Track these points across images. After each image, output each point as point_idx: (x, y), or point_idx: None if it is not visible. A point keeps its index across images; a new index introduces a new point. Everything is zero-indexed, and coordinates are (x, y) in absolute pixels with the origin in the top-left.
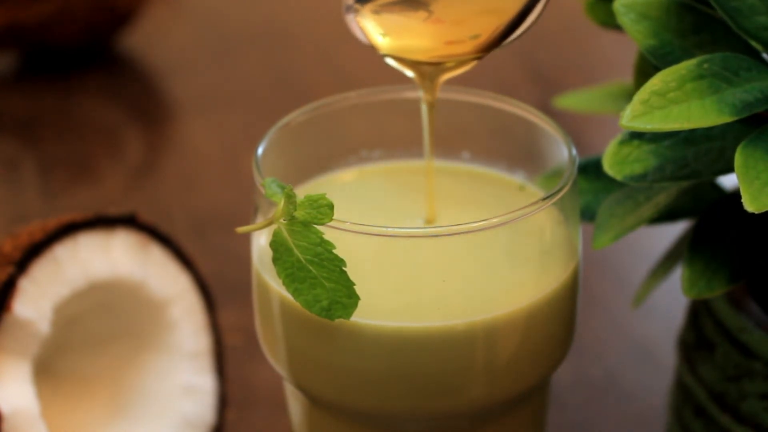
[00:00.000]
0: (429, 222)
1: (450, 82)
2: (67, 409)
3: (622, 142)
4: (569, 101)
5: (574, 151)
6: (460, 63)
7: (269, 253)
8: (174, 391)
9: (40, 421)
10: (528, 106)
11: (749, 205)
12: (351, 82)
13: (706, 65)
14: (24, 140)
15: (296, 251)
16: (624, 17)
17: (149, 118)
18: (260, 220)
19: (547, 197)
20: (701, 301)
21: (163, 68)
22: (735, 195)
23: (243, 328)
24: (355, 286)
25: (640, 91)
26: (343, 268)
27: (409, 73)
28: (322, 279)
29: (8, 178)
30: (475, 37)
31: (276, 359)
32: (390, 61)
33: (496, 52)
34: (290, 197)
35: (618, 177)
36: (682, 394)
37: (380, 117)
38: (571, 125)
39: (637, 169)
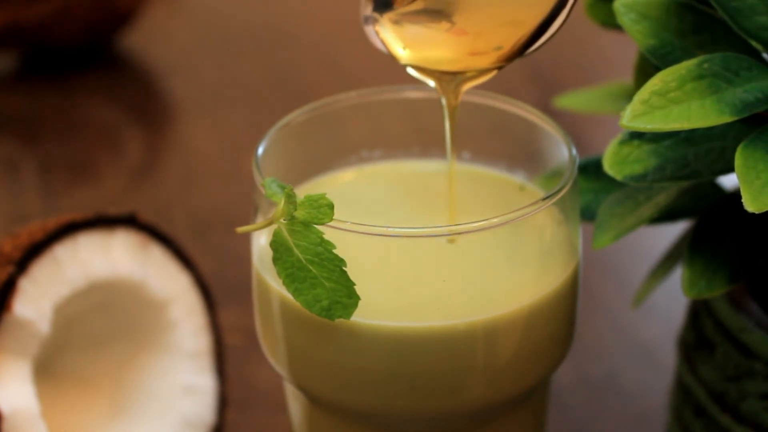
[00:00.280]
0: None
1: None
2: (67, 409)
3: (622, 142)
4: (569, 101)
5: (574, 151)
6: (483, 72)
7: (269, 253)
8: (174, 391)
9: (40, 421)
10: (528, 106)
11: (749, 205)
12: (351, 82)
13: (706, 65)
14: (24, 140)
15: (296, 251)
16: (624, 17)
17: (149, 118)
18: (260, 220)
19: (547, 197)
20: (701, 301)
21: (163, 68)
22: (735, 195)
23: (243, 328)
24: (355, 286)
25: (640, 90)
26: (344, 268)
27: (431, 82)
28: (322, 279)
29: (8, 178)
30: (498, 48)
31: (276, 359)
32: (411, 71)
33: None
34: (290, 197)
35: (618, 177)
36: (682, 394)
37: (380, 117)
38: (571, 125)
39: (637, 169)
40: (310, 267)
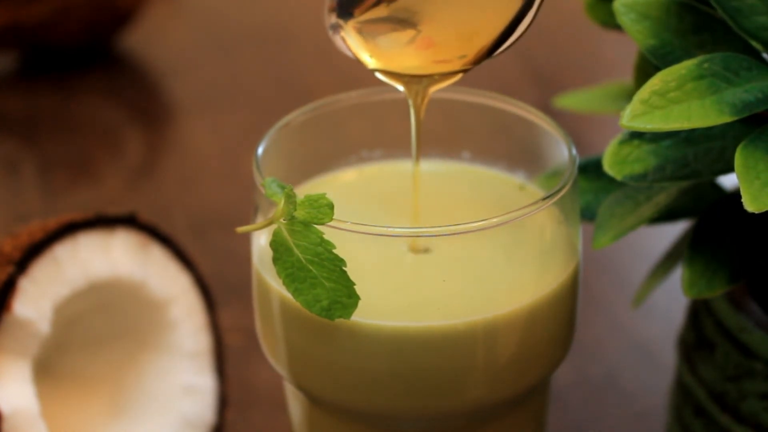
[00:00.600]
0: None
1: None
2: (67, 409)
3: (622, 142)
4: (569, 101)
5: (574, 151)
6: (449, 75)
7: (269, 253)
8: (174, 391)
9: (40, 421)
10: (528, 106)
11: (749, 205)
12: (351, 82)
13: (706, 65)
14: (24, 140)
15: (296, 251)
16: (624, 17)
17: (149, 118)
18: (260, 220)
19: (547, 197)
20: (701, 301)
21: (163, 68)
22: (735, 195)
23: (243, 328)
24: (355, 286)
25: (640, 90)
26: (343, 268)
27: (399, 86)
28: (322, 279)
29: (8, 178)
30: (463, 55)
31: (276, 359)
32: (379, 75)
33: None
34: (290, 197)
35: (618, 177)
36: (682, 394)
37: (380, 117)
38: (571, 125)
39: (637, 169)
40: (310, 267)
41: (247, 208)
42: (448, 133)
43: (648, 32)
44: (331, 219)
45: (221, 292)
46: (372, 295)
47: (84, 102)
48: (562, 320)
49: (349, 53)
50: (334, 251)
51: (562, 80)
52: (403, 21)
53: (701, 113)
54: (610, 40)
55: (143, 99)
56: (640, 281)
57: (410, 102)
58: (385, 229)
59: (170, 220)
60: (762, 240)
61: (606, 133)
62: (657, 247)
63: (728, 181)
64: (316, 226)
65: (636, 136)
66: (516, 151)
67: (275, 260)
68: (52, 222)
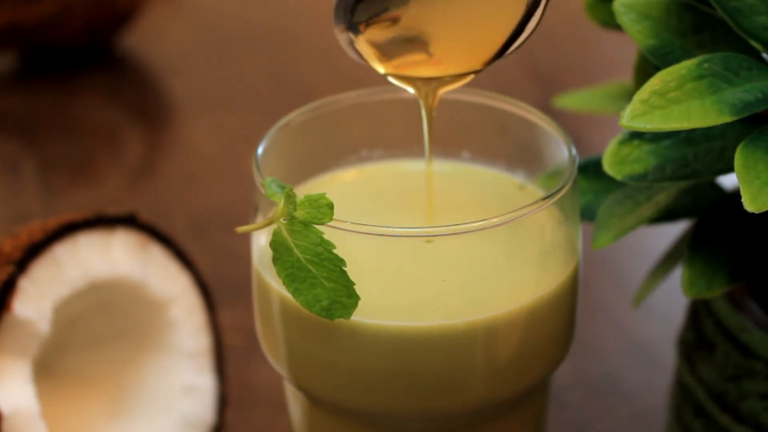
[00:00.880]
0: (427, 222)
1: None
2: (67, 409)
3: (622, 142)
4: (569, 101)
5: (574, 151)
6: (460, 77)
7: (269, 252)
8: (174, 391)
9: (40, 421)
10: (528, 106)
11: (749, 205)
12: (351, 82)
13: (706, 65)
14: (24, 140)
15: (296, 251)
16: (624, 17)
17: (149, 118)
18: (260, 220)
19: (547, 197)
20: (701, 301)
21: (163, 68)
22: (735, 195)
23: (243, 328)
24: (355, 286)
25: (640, 90)
26: (343, 268)
27: (410, 89)
28: (322, 279)
29: (8, 178)
30: (473, 58)
31: (276, 359)
32: (390, 78)
33: None
34: (290, 197)
35: (618, 177)
36: (682, 394)
37: (380, 117)
38: (571, 125)
39: (637, 169)
40: (310, 267)
41: (247, 208)
42: (448, 133)
43: (648, 32)
44: (331, 219)
45: (221, 292)
46: (372, 295)
47: (84, 102)
48: (562, 320)
49: (359, 59)
50: (334, 251)
51: (562, 80)
52: (413, 27)
53: (701, 113)
54: (610, 40)
55: (143, 99)
56: (640, 281)
57: (421, 103)
58: (385, 229)
59: (170, 220)
60: (762, 240)
61: (606, 133)
62: (657, 247)
63: (728, 181)
64: (316, 226)
65: (636, 136)
66: (516, 151)
67: (275, 260)
68: (52, 222)
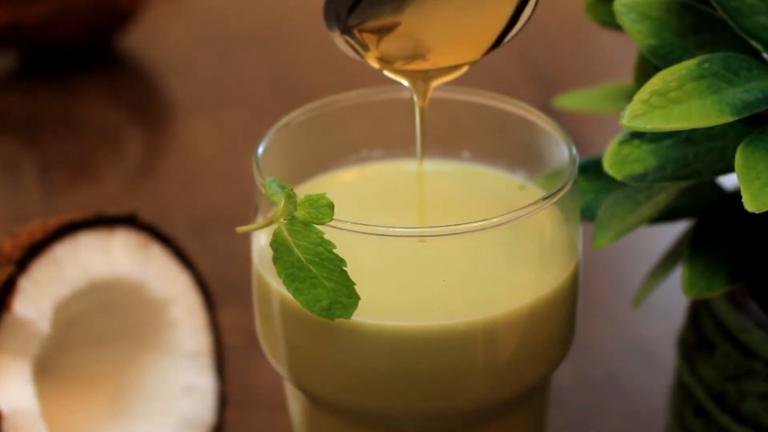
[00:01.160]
0: (427, 222)
1: (450, 81)
2: (67, 409)
3: (622, 142)
4: (569, 101)
5: (574, 151)
6: (453, 69)
7: (269, 252)
8: (174, 391)
9: (40, 421)
10: (528, 106)
11: (749, 205)
12: (351, 82)
13: (706, 65)
14: (24, 140)
15: (296, 251)
16: (624, 17)
17: (149, 118)
18: (260, 219)
19: (547, 197)
20: (701, 301)
21: (163, 68)
22: (735, 195)
23: (243, 328)
24: (355, 286)
25: (640, 90)
26: (344, 268)
27: (404, 81)
28: (323, 279)
29: (8, 178)
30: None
31: (276, 359)
32: (386, 72)
33: (496, 53)
34: (290, 197)
35: (618, 177)
36: (682, 394)
37: (380, 117)
38: (571, 125)
39: (637, 169)
40: (310, 267)
41: (247, 208)
42: (448, 133)
43: (648, 32)
44: (331, 219)
45: (221, 292)
46: (372, 295)
47: (84, 102)
48: (562, 320)
49: (352, 54)
50: (334, 251)
51: (562, 80)
52: (406, 21)
53: (701, 113)
54: (610, 40)
55: (143, 99)
56: (640, 281)
57: (414, 96)
58: (385, 229)
59: (170, 220)
60: (762, 240)
61: (606, 133)
62: (657, 247)
63: (728, 181)
64: (316, 226)
65: (636, 136)
66: (516, 151)
67: (275, 260)
68: (52, 222)
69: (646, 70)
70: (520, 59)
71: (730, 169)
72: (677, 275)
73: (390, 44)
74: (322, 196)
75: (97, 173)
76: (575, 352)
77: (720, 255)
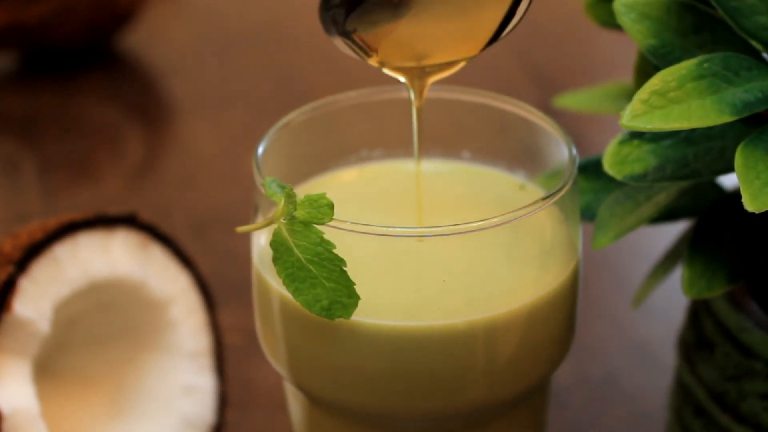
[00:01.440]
0: (427, 222)
1: (450, 81)
2: (67, 409)
3: (622, 142)
4: (569, 101)
5: (574, 151)
6: (450, 65)
7: (269, 252)
8: (174, 391)
9: (40, 421)
10: (528, 106)
11: (749, 205)
12: (351, 82)
13: (706, 65)
14: (24, 140)
15: (296, 251)
16: (624, 17)
17: (149, 118)
18: (260, 219)
19: (547, 197)
20: (701, 301)
21: (163, 68)
22: (735, 195)
23: (243, 328)
24: (355, 286)
25: (640, 90)
26: (343, 268)
27: (401, 78)
28: (322, 279)
29: (8, 178)
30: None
31: (276, 359)
32: (384, 70)
33: (496, 52)
34: (290, 197)
35: (618, 177)
36: (682, 394)
37: (380, 117)
38: (571, 125)
39: (637, 168)
40: (310, 267)
41: (247, 208)
42: (448, 133)
43: (648, 32)
44: (331, 219)
45: (221, 292)
46: (372, 295)
47: (84, 102)
48: (562, 320)
49: (348, 52)
50: (334, 251)
51: (562, 80)
52: (403, 20)
53: (701, 113)
54: (610, 40)
55: (143, 99)
56: (640, 281)
57: (411, 92)
58: (385, 229)
59: (170, 220)
60: (762, 240)
61: (606, 133)
62: (657, 247)
63: (728, 181)
64: (316, 226)
65: (636, 136)
66: (516, 151)
67: (275, 260)
68: (52, 222)
69: (646, 70)
70: (520, 59)
71: (729, 169)
72: (677, 275)
73: (388, 44)
74: (322, 196)
75: (97, 173)
76: (575, 352)
77: (720, 255)
